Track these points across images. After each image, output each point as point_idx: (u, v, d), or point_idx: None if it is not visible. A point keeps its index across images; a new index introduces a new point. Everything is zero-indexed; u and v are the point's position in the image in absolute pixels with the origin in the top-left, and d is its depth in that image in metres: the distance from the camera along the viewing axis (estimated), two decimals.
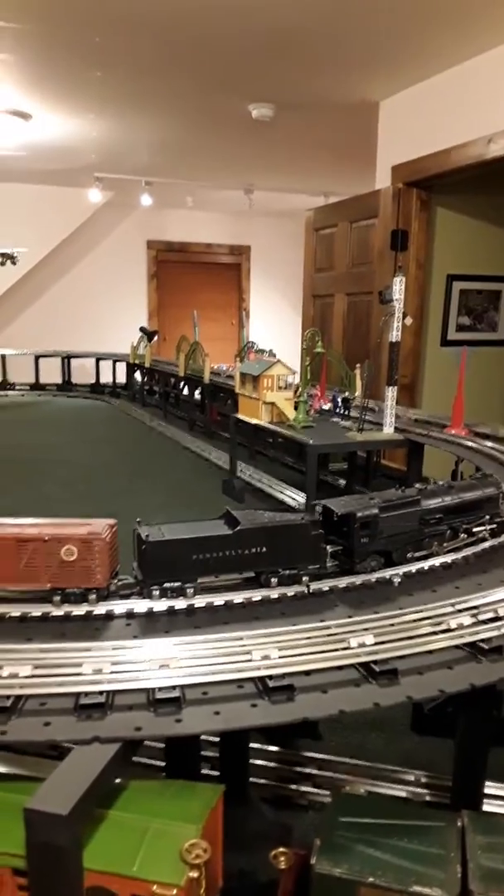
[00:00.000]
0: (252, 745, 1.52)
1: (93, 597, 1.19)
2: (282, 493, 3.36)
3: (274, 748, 1.54)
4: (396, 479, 3.28)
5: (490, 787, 1.39)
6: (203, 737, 1.39)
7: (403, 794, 1.43)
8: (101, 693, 0.95)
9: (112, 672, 0.99)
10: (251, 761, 1.48)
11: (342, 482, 3.57)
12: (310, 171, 6.48)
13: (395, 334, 2.68)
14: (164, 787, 1.03)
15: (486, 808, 1.29)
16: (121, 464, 4.07)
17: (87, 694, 0.95)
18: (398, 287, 2.62)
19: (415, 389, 4.89)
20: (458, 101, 4.04)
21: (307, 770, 1.49)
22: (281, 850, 0.98)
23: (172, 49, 3.80)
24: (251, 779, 1.41)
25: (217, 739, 1.37)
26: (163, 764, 1.28)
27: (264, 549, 1.27)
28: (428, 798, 1.42)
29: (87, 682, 0.96)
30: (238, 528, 1.25)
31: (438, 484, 1.49)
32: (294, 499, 3.27)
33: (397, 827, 0.93)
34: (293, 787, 1.44)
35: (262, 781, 1.45)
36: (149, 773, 1.36)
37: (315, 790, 1.45)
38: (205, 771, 1.39)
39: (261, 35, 3.58)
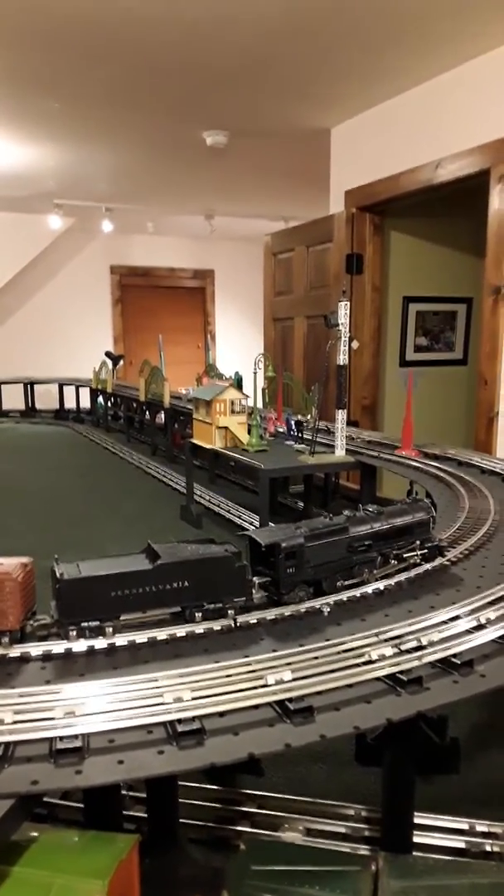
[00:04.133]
0: (189, 783, 1.48)
1: (5, 640, 1.15)
2: (240, 517, 3.33)
3: (212, 786, 1.50)
4: (355, 501, 3.28)
5: (426, 819, 1.37)
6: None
7: (342, 830, 1.40)
8: None
9: (14, 722, 0.95)
10: (189, 801, 1.45)
11: (301, 504, 3.55)
12: (268, 196, 6.55)
13: (342, 358, 2.68)
14: (74, 840, 0.99)
15: (417, 839, 1.27)
16: (80, 491, 4.02)
17: None
18: (343, 311, 2.63)
19: (375, 410, 4.91)
20: (406, 126, 4.11)
21: (245, 808, 1.45)
22: None
23: (127, 79, 3.83)
24: (185, 820, 1.37)
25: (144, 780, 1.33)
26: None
27: (186, 584, 1.24)
28: (367, 833, 1.39)
29: None
30: (158, 562, 1.22)
31: (367, 510, 1.48)
32: (252, 523, 3.25)
33: (309, 874, 0.90)
34: (230, 827, 1.40)
35: (198, 822, 1.40)
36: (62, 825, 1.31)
37: (253, 830, 1.41)
38: (135, 813, 1.35)
39: (212, 66, 3.63)
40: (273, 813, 1.43)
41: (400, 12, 3.02)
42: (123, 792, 1.42)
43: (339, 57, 3.55)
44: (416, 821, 1.35)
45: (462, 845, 1.34)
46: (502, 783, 1.61)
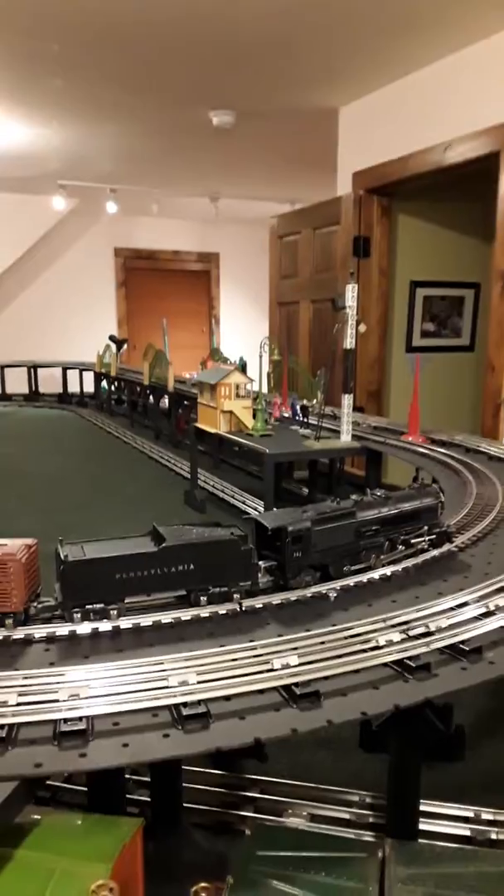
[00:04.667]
0: (193, 768, 1.47)
1: (9, 621, 1.14)
2: (244, 502, 3.31)
3: (216, 771, 1.49)
4: (360, 487, 3.26)
5: (431, 806, 1.36)
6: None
7: (346, 816, 1.39)
8: (1, 727, 0.90)
9: (18, 704, 0.94)
10: (193, 786, 1.44)
11: (306, 490, 3.53)
12: (274, 178, 6.48)
13: (349, 342, 2.65)
14: (78, 823, 0.98)
15: (422, 826, 1.26)
16: (83, 475, 4.01)
17: None
18: (351, 294, 2.60)
19: (381, 396, 4.88)
20: (416, 108, 4.05)
21: (249, 794, 1.45)
22: (202, 884, 0.93)
23: (132, 57, 3.78)
24: (189, 805, 1.37)
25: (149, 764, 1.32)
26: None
27: (192, 567, 1.22)
28: (371, 819, 1.38)
29: None
30: (163, 545, 1.21)
31: (375, 495, 1.46)
32: (256, 508, 3.23)
33: (315, 860, 0.89)
34: (234, 812, 1.40)
35: (202, 807, 1.40)
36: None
37: (257, 815, 1.40)
38: (138, 797, 1.34)
39: (220, 44, 3.57)
40: (277, 798, 1.43)
41: None
42: (127, 776, 1.41)
43: (349, 36, 3.49)
44: (421, 808, 1.35)
45: (467, 833, 1.33)
46: None
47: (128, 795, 1.36)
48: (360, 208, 4.51)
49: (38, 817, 0.99)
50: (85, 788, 1.33)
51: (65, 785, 1.39)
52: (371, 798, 1.42)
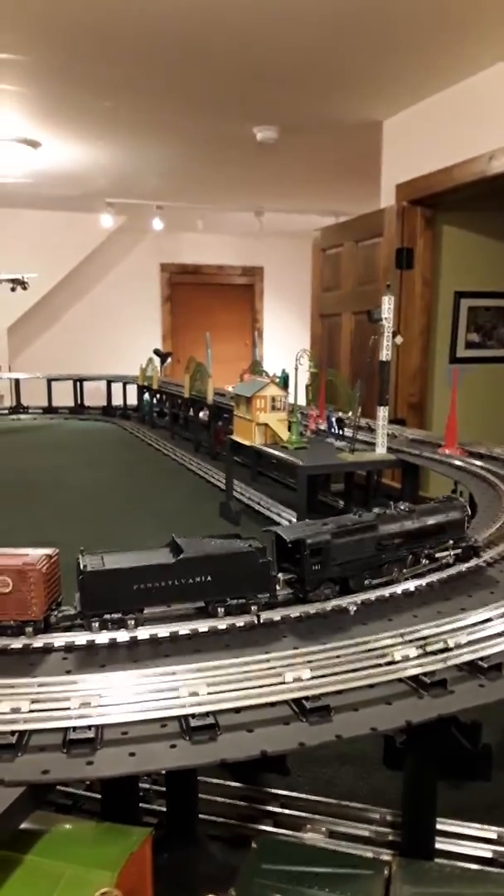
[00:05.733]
0: (212, 780, 1.47)
1: (29, 629, 1.16)
2: (279, 514, 3.31)
3: (236, 783, 1.49)
4: (397, 500, 3.22)
5: (452, 825, 1.33)
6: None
7: (366, 833, 1.37)
8: (12, 734, 0.92)
9: (30, 711, 0.96)
10: (212, 797, 1.44)
11: (342, 503, 3.51)
12: (318, 191, 6.50)
13: (385, 353, 2.63)
14: (87, 831, 0.99)
15: (442, 846, 1.23)
16: (122, 486, 4.06)
17: None
18: (387, 306, 2.58)
19: (423, 407, 4.82)
20: (459, 118, 4.01)
21: (268, 807, 1.44)
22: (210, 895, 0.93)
23: (177, 76, 3.86)
24: (206, 816, 1.37)
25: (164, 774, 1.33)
26: None
27: (209, 578, 1.23)
28: (390, 837, 1.36)
29: (0, 722, 0.93)
30: (181, 556, 1.22)
31: (400, 508, 1.44)
32: (291, 520, 3.22)
33: (320, 875, 0.88)
34: (251, 825, 1.39)
35: (219, 819, 1.40)
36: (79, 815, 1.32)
37: (275, 829, 1.39)
38: (156, 807, 1.35)
39: (262, 60, 3.61)
40: (296, 813, 1.42)
41: (451, 3, 2.95)
42: (147, 786, 1.42)
43: (391, 50, 3.49)
44: (442, 827, 1.32)
45: (489, 854, 1.29)
46: None
47: (146, 805, 1.37)
48: (403, 220, 4.49)
49: (48, 824, 1.00)
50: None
51: (86, 793, 1.40)
52: (391, 815, 1.40)
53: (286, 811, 1.42)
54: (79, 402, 6.65)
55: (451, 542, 1.46)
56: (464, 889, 0.86)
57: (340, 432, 3.13)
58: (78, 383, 6.63)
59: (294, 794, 1.46)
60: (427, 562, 1.43)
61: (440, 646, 1.14)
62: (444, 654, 1.11)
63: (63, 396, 6.60)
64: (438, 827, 1.30)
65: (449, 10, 3.02)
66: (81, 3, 2.94)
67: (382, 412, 2.73)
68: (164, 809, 1.34)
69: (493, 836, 1.34)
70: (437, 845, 1.26)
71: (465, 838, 1.32)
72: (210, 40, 3.35)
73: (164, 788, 1.36)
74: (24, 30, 3.22)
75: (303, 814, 1.41)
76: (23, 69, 3.69)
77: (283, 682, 1.04)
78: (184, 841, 1.27)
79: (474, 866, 1.25)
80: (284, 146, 4.99)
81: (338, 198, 6.69)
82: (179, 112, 4.50)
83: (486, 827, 1.35)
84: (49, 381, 6.49)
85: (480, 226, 4.74)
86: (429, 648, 1.13)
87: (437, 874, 0.90)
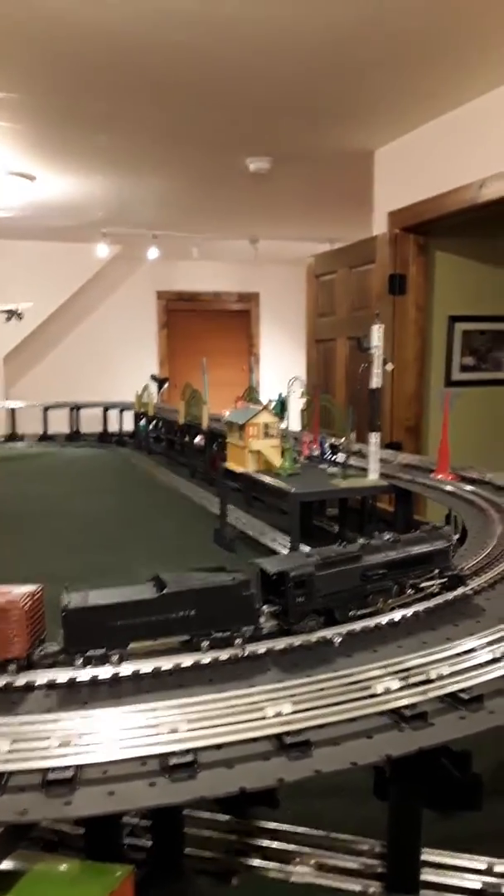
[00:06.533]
0: (201, 814, 1.46)
1: (12, 667, 1.17)
2: (274, 540, 3.32)
3: (224, 817, 1.48)
4: (392, 524, 3.22)
5: (443, 856, 1.32)
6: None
7: (355, 866, 1.36)
8: None
9: (10, 750, 0.96)
10: (199, 832, 1.43)
11: (337, 528, 3.51)
12: (311, 219, 6.59)
13: (375, 381, 2.66)
14: (67, 871, 0.99)
15: (431, 878, 1.22)
16: (117, 515, 4.07)
17: None
18: (377, 335, 2.61)
19: (419, 431, 4.85)
20: (450, 147, 4.09)
21: (257, 841, 1.42)
22: None
23: (172, 111, 3.94)
24: (194, 851, 1.36)
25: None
26: None
27: (193, 612, 1.24)
28: (380, 869, 1.35)
29: None
30: (164, 591, 1.23)
31: (384, 538, 1.45)
32: (286, 546, 3.22)
33: None
34: (240, 859, 1.38)
35: (207, 854, 1.38)
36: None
37: (264, 863, 1.38)
38: (143, 843, 1.34)
39: (253, 93, 3.69)
40: (285, 846, 1.40)
41: (441, 34, 3.02)
42: (134, 821, 1.41)
43: (381, 80, 3.56)
44: (432, 859, 1.31)
45: (478, 886, 1.28)
46: None
47: (133, 841, 1.36)
48: (395, 247, 4.55)
49: (29, 863, 1.00)
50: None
51: (72, 831, 1.39)
52: (381, 847, 1.39)
53: (274, 844, 1.41)
54: (75, 429, 6.68)
55: (436, 571, 1.46)
56: None
57: (334, 458, 3.15)
58: (74, 410, 6.67)
59: (283, 826, 1.45)
60: (412, 591, 1.44)
61: (422, 677, 1.14)
62: (426, 686, 1.12)
63: (59, 424, 6.63)
64: (426, 858, 1.29)
65: (438, 41, 3.09)
66: (73, 40, 3.01)
67: (374, 438, 2.75)
68: (150, 844, 1.33)
69: (483, 866, 1.32)
70: (425, 877, 1.25)
71: (453, 869, 1.31)
72: (201, 75, 3.42)
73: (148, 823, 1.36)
74: (16, 68, 3.30)
75: (291, 846, 1.40)
76: (16, 106, 3.76)
77: (265, 718, 1.04)
78: (170, 876, 1.26)
79: None
80: (277, 175, 5.07)
81: (332, 225, 6.78)
82: (173, 144, 4.58)
83: (474, 857, 1.34)
84: (45, 409, 6.53)
85: (472, 251, 4.81)
86: (411, 680, 1.14)
87: None
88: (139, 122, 4.12)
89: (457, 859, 1.35)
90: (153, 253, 7.04)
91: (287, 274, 8.54)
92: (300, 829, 1.46)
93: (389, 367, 2.82)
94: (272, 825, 1.46)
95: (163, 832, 1.26)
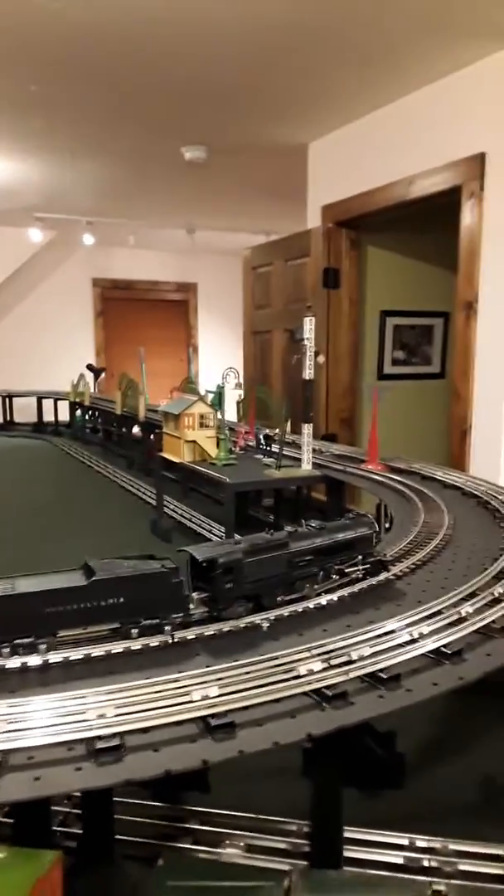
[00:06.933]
0: (131, 800, 1.48)
1: None
2: (210, 530, 3.34)
3: (156, 803, 1.50)
4: (326, 513, 3.29)
5: (367, 834, 1.38)
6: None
7: (283, 846, 1.40)
8: None
9: None
10: (129, 818, 1.45)
11: (272, 517, 3.56)
12: (247, 210, 6.61)
13: (307, 372, 2.70)
14: None
15: (354, 854, 1.28)
16: (54, 505, 4.02)
17: None
18: (308, 326, 2.66)
19: (353, 423, 4.95)
20: (381, 143, 4.17)
21: (188, 825, 1.45)
22: None
23: (108, 96, 3.89)
24: (124, 837, 1.37)
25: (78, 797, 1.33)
26: None
27: (122, 600, 1.25)
28: (306, 849, 1.39)
29: None
30: (92, 578, 1.23)
31: (310, 526, 1.49)
32: (223, 536, 3.25)
33: (221, 889, 0.91)
34: (170, 843, 1.40)
35: (138, 839, 1.40)
36: None
37: (194, 846, 1.41)
38: (74, 830, 1.35)
39: (189, 81, 3.68)
40: (215, 829, 1.43)
41: (374, 31, 3.08)
42: (66, 809, 1.42)
43: (316, 74, 3.61)
44: (356, 836, 1.36)
45: (400, 861, 1.34)
46: (446, 799, 1.62)
47: (64, 829, 1.36)
48: (329, 241, 4.62)
49: None
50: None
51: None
52: (308, 827, 1.43)
53: (205, 828, 1.44)
54: (8, 418, 6.53)
55: (360, 557, 1.51)
56: (365, 894, 0.90)
57: (268, 448, 3.19)
58: (7, 399, 6.52)
59: (213, 810, 1.48)
60: (338, 577, 1.49)
61: (344, 658, 1.19)
62: (347, 667, 1.16)
63: None
64: (350, 836, 1.34)
65: (372, 38, 3.15)
66: (10, 23, 2.94)
67: (307, 429, 2.80)
68: (80, 832, 1.34)
69: (405, 842, 1.39)
70: (349, 853, 1.30)
71: (375, 845, 1.37)
72: (138, 63, 3.40)
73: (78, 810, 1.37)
74: None
75: (222, 829, 1.43)
76: None
77: (191, 701, 1.06)
78: (100, 862, 1.27)
79: (384, 873, 1.30)
80: (214, 165, 5.07)
81: (269, 216, 6.82)
82: (109, 130, 4.53)
83: (398, 834, 1.40)
84: None
85: (404, 247, 4.93)
86: (333, 662, 1.18)
87: (337, 882, 0.94)
88: (75, 107, 4.06)
89: (379, 836, 1.40)
90: (88, 239, 6.93)
91: (224, 264, 8.55)
92: (230, 812, 1.49)
93: (321, 359, 2.88)
94: (203, 809, 1.49)
95: (93, 819, 1.27)
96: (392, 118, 4.07)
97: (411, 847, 1.39)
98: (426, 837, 1.41)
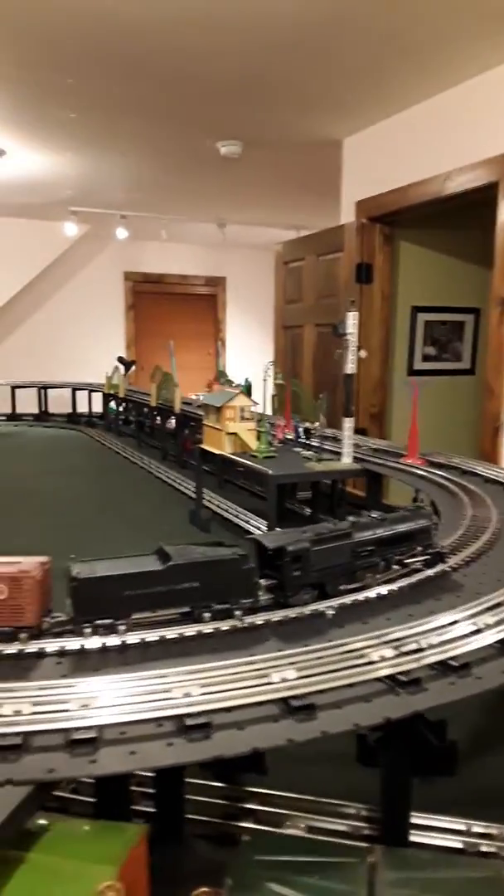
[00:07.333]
0: (195, 780, 1.52)
1: (24, 635, 1.20)
2: (247, 522, 3.38)
3: (218, 784, 1.54)
4: (360, 507, 3.31)
5: (425, 819, 1.41)
6: (143, 774, 1.41)
7: (343, 828, 1.44)
8: (17, 735, 0.96)
9: (32, 713, 1.00)
10: (195, 798, 1.49)
11: (308, 510, 3.60)
12: (280, 205, 6.63)
13: (349, 367, 2.73)
14: (86, 829, 1.04)
15: (415, 838, 1.31)
16: (91, 494, 4.08)
17: (3, 735, 0.96)
18: (351, 321, 2.68)
19: (383, 418, 4.96)
20: (417, 139, 4.17)
21: (249, 805, 1.49)
22: (202, 889, 0.99)
23: (143, 91, 3.92)
24: (190, 816, 1.42)
25: (153, 776, 1.38)
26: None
27: (196, 584, 1.29)
28: (366, 831, 1.43)
29: (4, 724, 0.98)
30: (169, 563, 1.27)
31: (371, 516, 1.52)
32: (260, 528, 3.30)
33: (309, 864, 0.95)
34: (234, 823, 1.45)
35: (203, 818, 1.45)
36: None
37: (257, 826, 1.45)
38: (143, 808, 1.40)
39: (227, 77, 3.71)
40: (276, 810, 1.48)
41: (411, 28, 3.09)
42: (132, 787, 1.47)
43: (352, 70, 3.62)
44: (415, 820, 1.40)
45: (459, 845, 1.37)
46: (498, 786, 1.65)
47: (131, 806, 1.41)
48: (362, 236, 4.63)
49: (47, 823, 1.05)
50: (90, 799, 1.39)
51: (70, 795, 1.44)
52: (366, 811, 1.47)
53: (266, 808, 1.48)
54: (43, 409, 6.62)
55: (419, 548, 1.54)
56: (442, 873, 0.94)
57: (307, 442, 3.22)
58: (42, 391, 6.61)
59: (273, 791, 1.52)
60: (398, 567, 1.52)
61: (413, 646, 1.22)
62: (418, 655, 1.19)
63: (27, 404, 6.56)
64: (411, 821, 1.38)
65: (409, 34, 3.16)
66: (49, 17, 2.99)
67: (348, 423, 2.83)
68: (150, 810, 1.38)
69: (462, 827, 1.42)
70: (411, 838, 1.34)
71: (435, 830, 1.40)
72: (176, 57, 3.43)
73: (148, 790, 1.41)
74: None
75: (282, 811, 1.47)
76: None
77: (270, 683, 1.10)
78: (171, 839, 1.32)
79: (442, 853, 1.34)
80: (248, 160, 5.09)
81: (300, 212, 6.83)
82: (145, 125, 4.56)
83: (455, 819, 1.43)
84: (13, 388, 6.45)
85: (437, 243, 4.92)
86: (403, 649, 1.21)
87: (416, 860, 0.98)
88: (111, 101, 4.10)
89: (437, 821, 1.44)
90: (121, 233, 6.98)
91: (253, 259, 8.57)
92: (290, 794, 1.53)
93: (363, 353, 2.89)
94: (263, 791, 1.53)
95: (166, 796, 1.31)
96: (429, 114, 4.06)
97: (468, 832, 1.43)
98: (483, 823, 1.44)
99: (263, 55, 3.40)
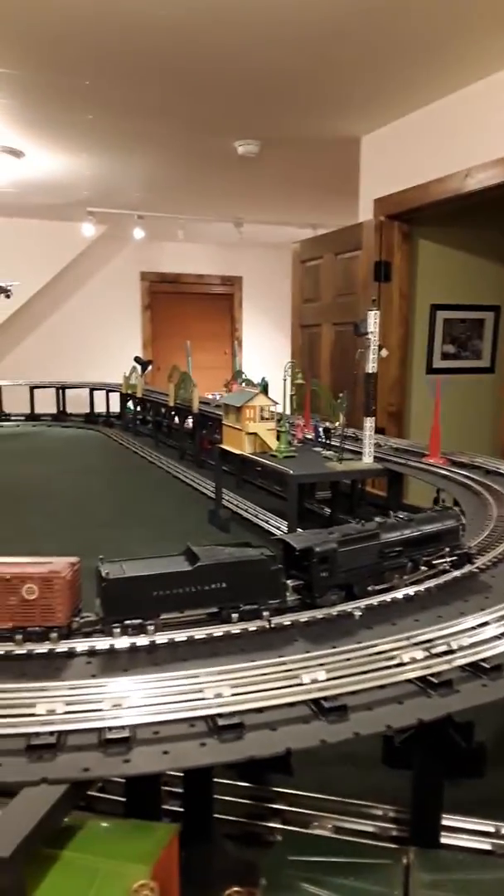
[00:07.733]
0: (222, 780, 1.52)
1: (54, 635, 1.21)
2: (267, 522, 3.38)
3: (244, 784, 1.54)
4: (380, 507, 3.30)
5: (453, 821, 1.40)
6: (170, 773, 1.41)
7: (371, 829, 1.43)
8: (51, 734, 0.96)
9: (65, 712, 1.01)
10: (221, 797, 1.49)
11: (328, 511, 3.59)
12: (297, 204, 6.61)
13: (371, 366, 2.72)
14: (119, 827, 1.04)
15: (444, 840, 1.30)
16: (110, 494, 4.09)
17: (38, 734, 0.96)
18: (373, 320, 2.67)
19: (401, 417, 4.94)
20: (437, 136, 4.14)
21: (276, 806, 1.49)
22: (234, 889, 0.99)
23: (160, 91, 3.93)
24: (218, 815, 1.42)
25: (181, 776, 1.38)
26: None
27: (224, 585, 1.29)
28: (394, 833, 1.42)
29: (38, 723, 0.98)
30: (197, 564, 1.28)
31: (398, 517, 1.52)
32: (279, 528, 3.29)
33: (342, 865, 0.94)
34: (262, 823, 1.45)
35: (231, 818, 1.45)
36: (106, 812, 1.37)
37: (285, 826, 1.45)
38: (171, 808, 1.40)
39: (245, 76, 3.70)
40: (304, 811, 1.47)
41: (431, 24, 3.07)
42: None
43: (370, 67, 3.60)
44: (444, 822, 1.39)
45: (488, 847, 1.36)
46: None
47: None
48: (381, 234, 4.60)
49: (80, 822, 1.05)
50: (118, 798, 1.40)
51: (99, 794, 1.45)
52: (394, 812, 1.46)
53: (294, 809, 1.48)
54: (61, 409, 6.66)
55: (447, 549, 1.53)
56: (477, 874, 0.93)
57: (327, 441, 3.21)
58: (60, 391, 6.65)
59: (300, 792, 1.52)
60: (425, 568, 1.51)
61: (444, 648, 1.21)
62: (449, 657, 1.18)
63: (45, 404, 6.61)
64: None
65: (429, 31, 3.14)
66: (67, 19, 3.00)
67: (369, 422, 2.82)
68: (178, 809, 1.39)
69: (492, 829, 1.41)
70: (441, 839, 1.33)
71: (464, 832, 1.39)
72: (192, 57, 3.42)
73: (175, 789, 1.41)
74: (10, 44, 3.26)
75: (310, 811, 1.47)
76: (9, 82, 3.72)
77: (301, 684, 1.10)
78: (200, 838, 1.32)
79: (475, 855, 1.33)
80: (265, 159, 5.09)
81: (316, 210, 6.81)
82: (161, 125, 4.57)
83: (484, 821, 1.42)
84: (31, 388, 6.50)
85: (456, 240, 4.89)
86: (433, 651, 1.20)
87: (451, 862, 0.97)
88: (127, 102, 4.10)
89: (466, 823, 1.43)
90: (138, 233, 7.00)
91: (269, 258, 8.56)
92: (317, 795, 1.53)
93: (384, 353, 2.88)
94: (290, 791, 1.53)
95: (195, 796, 1.31)
96: (449, 110, 4.04)
97: (497, 834, 1.42)
98: None
99: (281, 53, 3.39)
